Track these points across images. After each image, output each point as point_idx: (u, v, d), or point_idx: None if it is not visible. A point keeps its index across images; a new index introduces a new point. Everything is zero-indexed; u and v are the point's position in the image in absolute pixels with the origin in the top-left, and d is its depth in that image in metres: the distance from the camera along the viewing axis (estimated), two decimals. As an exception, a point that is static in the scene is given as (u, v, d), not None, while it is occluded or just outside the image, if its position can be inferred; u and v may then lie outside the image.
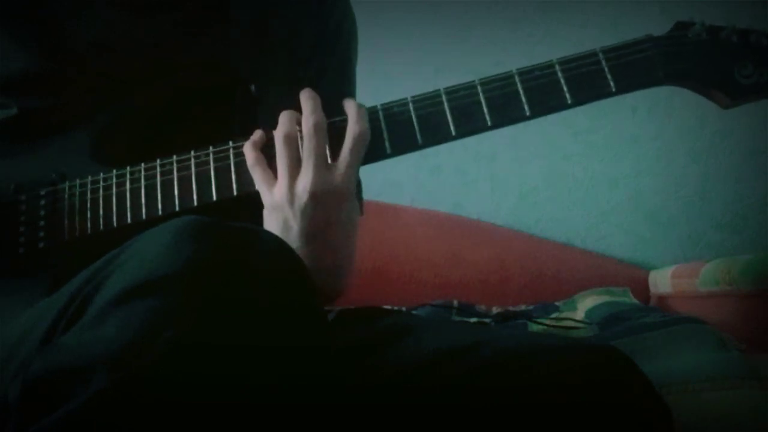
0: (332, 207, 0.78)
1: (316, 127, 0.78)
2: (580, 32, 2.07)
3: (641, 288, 1.94)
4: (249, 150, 0.81)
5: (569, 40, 2.05)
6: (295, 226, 0.78)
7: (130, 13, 0.90)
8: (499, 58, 2.03)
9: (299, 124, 0.80)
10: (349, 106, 0.82)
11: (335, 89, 0.92)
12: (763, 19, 1.73)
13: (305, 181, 0.77)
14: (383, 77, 1.91)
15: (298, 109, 0.80)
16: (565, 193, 2.12)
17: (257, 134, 0.82)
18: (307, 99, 0.81)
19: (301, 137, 0.79)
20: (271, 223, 0.79)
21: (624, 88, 0.80)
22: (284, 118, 0.81)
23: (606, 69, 0.79)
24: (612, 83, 0.79)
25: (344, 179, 0.78)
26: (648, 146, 2.10)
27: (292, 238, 0.78)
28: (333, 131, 0.80)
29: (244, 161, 0.82)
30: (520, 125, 0.82)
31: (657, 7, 1.96)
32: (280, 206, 0.77)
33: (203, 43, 0.91)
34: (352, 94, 0.87)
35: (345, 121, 0.81)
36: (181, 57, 0.90)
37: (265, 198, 0.79)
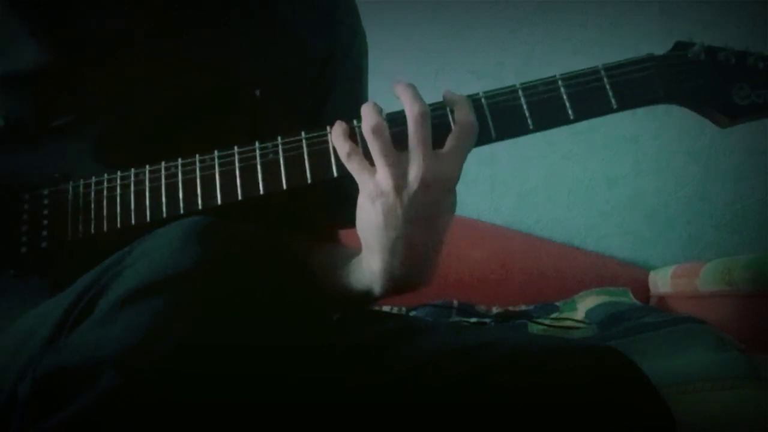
0: (441, 194, 0.78)
1: (423, 116, 0.78)
2: (580, 32, 2.07)
3: (641, 288, 1.94)
4: (341, 141, 0.80)
5: (569, 40, 2.05)
6: (401, 212, 0.78)
7: (135, 13, 0.90)
8: (499, 58, 2.04)
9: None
10: (455, 99, 0.81)
11: (344, 105, 0.93)
12: (763, 19, 1.73)
13: (416, 169, 0.77)
14: (383, 77, 1.90)
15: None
16: (565, 193, 2.12)
17: (342, 125, 0.81)
18: (405, 88, 0.81)
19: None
20: (373, 209, 0.79)
21: (625, 105, 0.82)
22: (367, 110, 0.80)
23: (608, 86, 0.81)
24: (613, 100, 0.81)
25: (452, 167, 0.78)
26: (648, 146, 2.10)
27: (397, 224, 0.78)
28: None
29: (248, 166, 0.81)
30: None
31: (656, 7, 1.96)
32: (386, 194, 0.77)
33: (208, 47, 0.91)
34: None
35: (441, 109, 0.81)
36: (186, 59, 0.90)
37: (366, 186, 0.79)
